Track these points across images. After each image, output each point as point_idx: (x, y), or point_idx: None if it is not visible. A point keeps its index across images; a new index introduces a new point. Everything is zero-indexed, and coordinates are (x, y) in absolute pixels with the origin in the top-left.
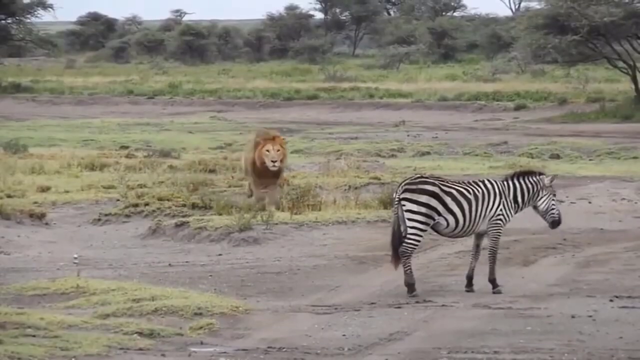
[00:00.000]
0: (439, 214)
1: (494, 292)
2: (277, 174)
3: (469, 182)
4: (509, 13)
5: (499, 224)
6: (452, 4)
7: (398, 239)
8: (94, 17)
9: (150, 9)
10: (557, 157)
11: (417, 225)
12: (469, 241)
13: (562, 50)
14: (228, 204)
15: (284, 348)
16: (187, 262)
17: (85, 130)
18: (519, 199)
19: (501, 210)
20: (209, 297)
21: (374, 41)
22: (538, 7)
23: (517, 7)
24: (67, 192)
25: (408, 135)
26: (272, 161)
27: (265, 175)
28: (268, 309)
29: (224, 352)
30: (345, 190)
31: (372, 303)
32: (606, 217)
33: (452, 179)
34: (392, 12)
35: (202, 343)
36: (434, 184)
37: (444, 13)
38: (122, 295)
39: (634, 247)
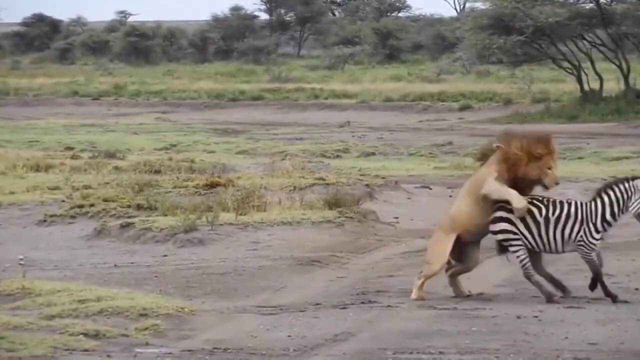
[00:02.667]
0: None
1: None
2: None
3: (552, 202)
4: (453, 13)
5: (582, 249)
6: (397, 4)
7: None
8: (39, 19)
9: (95, 10)
10: None
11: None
12: (414, 242)
13: (507, 50)
14: (173, 205)
15: (229, 349)
16: (132, 263)
17: (30, 132)
18: (608, 217)
19: (581, 236)
20: (155, 298)
21: (318, 42)
22: (483, 7)
23: (461, 7)
24: (12, 193)
25: (353, 136)
26: (557, 184)
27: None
28: (213, 309)
29: (170, 353)
30: (290, 191)
31: (317, 304)
32: None
33: (544, 198)
34: (336, 13)
35: (147, 344)
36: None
37: (388, 14)
38: (67, 296)
39: None
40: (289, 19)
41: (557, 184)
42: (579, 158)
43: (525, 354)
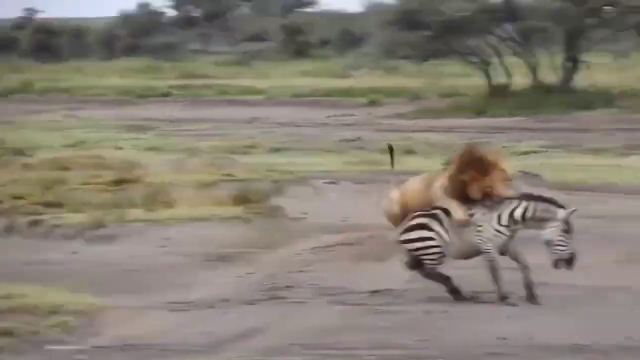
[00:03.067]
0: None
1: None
2: None
3: None
4: (360, 9)
5: (479, 236)
6: (304, 0)
7: None
8: None
9: (2, 8)
10: (412, 152)
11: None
12: (323, 238)
13: (415, 46)
14: (82, 202)
15: (140, 345)
16: (42, 260)
17: None
18: (517, 216)
19: (483, 220)
20: (65, 295)
21: (227, 38)
22: (391, 1)
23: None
24: None
25: (261, 132)
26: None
27: None
28: (124, 306)
29: (81, 350)
30: (199, 187)
31: (227, 300)
32: None
33: None
34: (245, 9)
35: (58, 341)
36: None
37: (296, 9)
38: None
39: None
40: (196, 15)
41: (502, 197)
42: None
43: (435, 349)
